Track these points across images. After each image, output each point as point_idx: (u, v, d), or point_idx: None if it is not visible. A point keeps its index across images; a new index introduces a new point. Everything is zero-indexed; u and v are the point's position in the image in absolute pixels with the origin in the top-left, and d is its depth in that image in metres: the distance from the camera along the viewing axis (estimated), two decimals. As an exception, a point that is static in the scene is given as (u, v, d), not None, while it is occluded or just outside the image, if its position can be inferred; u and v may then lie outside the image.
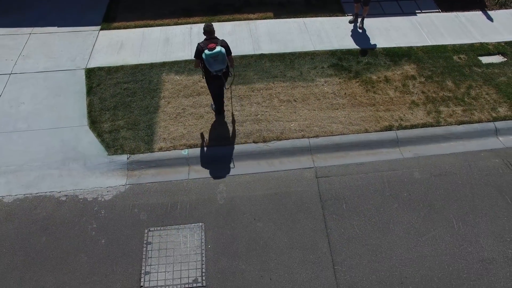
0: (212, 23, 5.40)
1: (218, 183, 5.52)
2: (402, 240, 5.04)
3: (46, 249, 4.86)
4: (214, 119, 6.17)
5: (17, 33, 7.53)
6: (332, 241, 5.01)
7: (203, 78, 5.78)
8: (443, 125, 6.31)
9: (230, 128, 6.09)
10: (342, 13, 8.23)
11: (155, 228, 5.04)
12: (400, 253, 4.92)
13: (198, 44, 5.37)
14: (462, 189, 5.57)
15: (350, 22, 7.97)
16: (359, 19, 7.92)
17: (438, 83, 6.90)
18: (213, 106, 6.22)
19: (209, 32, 5.37)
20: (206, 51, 5.18)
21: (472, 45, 7.49)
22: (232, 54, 5.48)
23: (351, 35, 7.71)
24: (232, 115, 6.21)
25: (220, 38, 5.47)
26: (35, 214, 5.19)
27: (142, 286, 4.56)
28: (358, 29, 7.84)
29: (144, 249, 4.86)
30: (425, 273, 4.75)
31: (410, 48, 7.48)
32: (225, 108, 6.25)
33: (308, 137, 6.00)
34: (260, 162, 5.76)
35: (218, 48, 5.19)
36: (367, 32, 7.80)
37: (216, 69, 5.35)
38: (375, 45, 7.53)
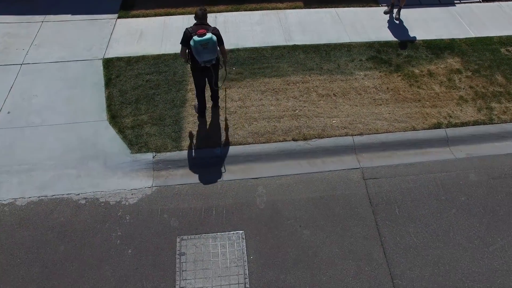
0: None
1: (256, 185, 4.95)
2: (467, 251, 4.47)
3: (65, 260, 4.27)
4: (247, 114, 5.56)
5: (29, 21, 6.92)
6: (387, 250, 4.44)
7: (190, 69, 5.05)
8: (496, 123, 5.76)
9: (266, 124, 5.51)
10: (376, 3, 7.66)
11: (189, 237, 4.45)
12: (465, 265, 4.35)
13: (186, 29, 4.75)
14: (526, 193, 5.06)
15: (385, 12, 7.43)
16: (395, 10, 7.39)
17: (487, 77, 6.36)
18: (197, 106, 5.49)
19: (201, 16, 4.76)
20: (195, 37, 4.55)
21: (520, 37, 7.02)
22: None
23: (388, 27, 7.15)
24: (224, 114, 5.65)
25: (212, 26, 4.78)
26: (52, 219, 4.60)
27: (176, 303, 4.03)
28: (394, 20, 7.28)
29: (178, 260, 4.28)
30: (497, 289, 4.24)
31: (452, 40, 6.93)
32: (221, 104, 5.57)
33: (352, 135, 5.44)
34: (301, 162, 5.20)
35: (209, 35, 4.56)
36: (404, 24, 7.25)
37: (205, 60, 4.70)
38: (414, 37, 6.98)
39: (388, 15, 7.41)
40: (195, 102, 5.57)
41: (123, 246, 4.39)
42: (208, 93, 5.51)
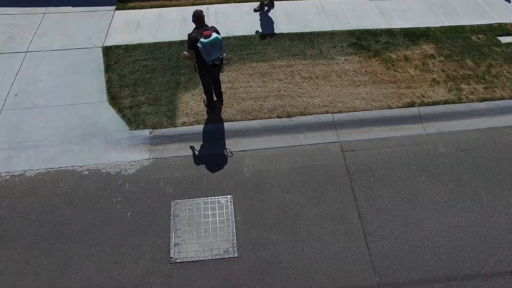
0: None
1: (243, 156, 5.44)
2: (432, 212, 4.99)
3: (72, 221, 4.75)
4: (236, 95, 6.06)
5: (31, 12, 7.38)
6: (362, 212, 4.95)
7: (195, 71, 5.40)
8: (465, 102, 6.27)
9: (253, 103, 6.01)
10: (358, -5, 8.23)
11: (182, 201, 4.94)
12: (430, 223, 4.88)
13: (189, 34, 5.03)
14: (488, 163, 5.54)
15: None
16: None
17: (458, 62, 6.87)
18: (206, 102, 5.87)
19: (200, 19, 5.06)
20: (202, 40, 4.84)
21: (490, 25, 7.46)
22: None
23: (368, 16, 7.69)
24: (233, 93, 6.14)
25: (209, 25, 5.14)
26: (58, 187, 5.07)
27: (172, 258, 4.47)
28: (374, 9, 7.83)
29: (172, 221, 4.76)
30: (457, 243, 4.70)
31: (428, 28, 7.45)
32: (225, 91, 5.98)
33: (332, 113, 5.94)
34: (285, 137, 5.68)
35: (214, 35, 4.90)
36: (384, 14, 7.78)
37: (214, 58, 5.04)
38: (392, 26, 7.51)
39: (368, 5, 7.92)
40: (204, 97, 5.89)
41: (123, 209, 4.87)
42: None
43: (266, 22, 7.45)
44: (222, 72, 5.64)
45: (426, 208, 5.04)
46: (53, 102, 6.02)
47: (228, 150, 5.45)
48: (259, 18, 7.53)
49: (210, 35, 4.86)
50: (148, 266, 4.42)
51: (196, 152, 5.46)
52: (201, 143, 5.57)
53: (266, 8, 7.72)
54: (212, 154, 5.46)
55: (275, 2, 7.85)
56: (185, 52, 5.22)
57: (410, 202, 5.08)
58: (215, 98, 5.92)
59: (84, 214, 4.83)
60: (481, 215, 4.97)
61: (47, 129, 5.70)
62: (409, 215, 4.95)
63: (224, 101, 6.01)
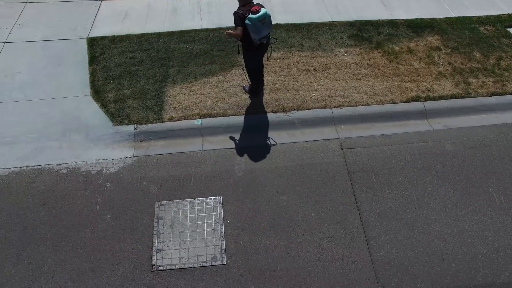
0: None
1: (235, 154, 5.03)
2: (440, 215, 4.57)
3: (45, 224, 4.33)
4: (228, 88, 5.64)
5: (11, 1, 6.96)
6: (363, 215, 4.54)
7: (238, 53, 5.04)
8: (473, 97, 5.85)
9: (246, 97, 5.61)
10: (359, -15, 7.84)
11: (167, 202, 4.52)
12: (438, 228, 4.45)
13: (235, 12, 4.69)
14: (500, 162, 5.12)
15: None
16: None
17: (465, 54, 6.45)
18: (247, 87, 5.55)
19: None
20: (251, 16, 4.50)
21: (499, 16, 7.04)
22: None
23: (370, 7, 7.28)
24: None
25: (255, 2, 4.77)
26: (33, 187, 4.65)
27: (154, 265, 4.06)
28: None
29: (155, 224, 4.34)
30: (468, 250, 4.28)
31: (433, 19, 7.03)
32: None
33: (331, 107, 5.52)
34: (280, 133, 5.26)
35: (263, 10, 4.57)
36: (386, 4, 7.36)
37: (263, 35, 4.69)
38: (395, 17, 7.10)
39: None
40: (246, 84, 5.56)
41: (103, 211, 4.46)
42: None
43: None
44: (270, 55, 5.19)
45: (434, 210, 4.61)
46: (32, 96, 5.61)
47: (271, 139, 5.08)
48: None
49: (259, 10, 4.52)
50: (127, 274, 3.99)
51: (185, 149, 5.04)
52: (190, 139, 5.16)
53: None
54: (201, 151, 5.04)
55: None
56: (230, 31, 4.76)
57: (416, 204, 4.66)
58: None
59: (60, 216, 4.41)
60: (494, 218, 4.55)
61: (24, 125, 5.28)
62: (415, 219, 4.53)
63: (214, 94, 5.61)
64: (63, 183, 4.71)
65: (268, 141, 5.18)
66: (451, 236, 4.40)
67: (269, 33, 4.80)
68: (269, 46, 5.03)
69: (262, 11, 4.57)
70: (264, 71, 5.63)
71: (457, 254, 4.26)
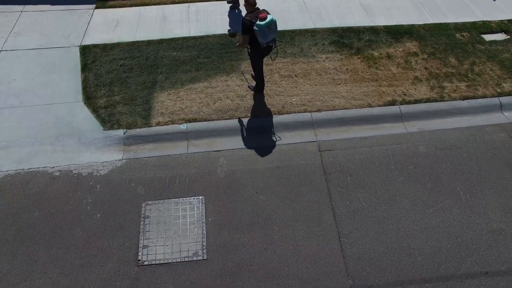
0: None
1: (218, 156, 5.33)
2: (409, 212, 4.88)
3: (39, 223, 4.64)
4: (213, 94, 5.95)
5: (7, 10, 7.26)
6: (337, 213, 4.84)
7: (248, 54, 5.48)
8: (447, 100, 6.17)
9: (229, 102, 5.91)
10: (342, -8, 8.13)
11: (153, 202, 4.82)
12: (407, 225, 4.76)
13: (244, 19, 5.09)
14: (469, 162, 5.43)
15: None
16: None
17: (441, 59, 6.76)
18: (253, 86, 5.98)
19: (253, 4, 5.16)
20: (259, 22, 4.92)
21: (474, 23, 7.37)
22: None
23: (352, 14, 7.58)
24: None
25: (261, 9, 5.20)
26: (27, 189, 4.95)
27: (140, 260, 4.36)
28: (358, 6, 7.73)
29: (142, 222, 4.65)
30: (434, 244, 4.60)
31: (412, 26, 7.34)
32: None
33: (310, 111, 5.83)
34: (262, 137, 5.56)
35: (270, 16, 5.01)
36: (367, 11, 7.67)
37: (270, 39, 5.16)
38: (376, 23, 7.40)
39: (352, 2, 7.82)
40: (250, 84, 6.03)
41: (93, 211, 4.76)
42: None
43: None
44: (276, 56, 5.71)
45: (404, 208, 4.93)
46: (27, 102, 5.91)
47: (253, 142, 5.41)
48: (239, 16, 7.44)
49: (266, 17, 4.95)
50: (115, 269, 4.30)
51: (171, 152, 5.32)
52: (176, 143, 5.46)
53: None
54: (186, 154, 5.33)
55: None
56: (239, 44, 5.36)
57: (387, 203, 4.97)
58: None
59: (53, 216, 4.71)
60: (459, 215, 4.87)
61: (19, 130, 5.58)
62: (386, 216, 4.84)
63: (200, 100, 5.89)
64: (56, 185, 5.02)
65: (250, 144, 5.50)
66: (419, 232, 4.71)
67: (274, 37, 5.24)
68: (275, 48, 5.48)
69: (269, 17, 5.01)
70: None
71: (423, 249, 4.57)
